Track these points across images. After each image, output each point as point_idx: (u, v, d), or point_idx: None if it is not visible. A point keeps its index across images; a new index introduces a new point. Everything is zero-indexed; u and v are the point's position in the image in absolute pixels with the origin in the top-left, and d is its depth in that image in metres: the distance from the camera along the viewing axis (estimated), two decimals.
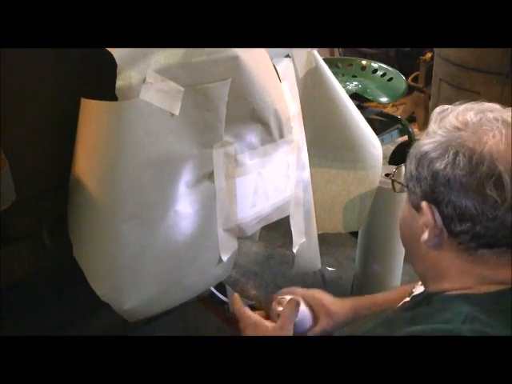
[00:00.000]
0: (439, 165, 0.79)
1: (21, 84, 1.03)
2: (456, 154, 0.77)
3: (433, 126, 0.84)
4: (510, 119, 0.79)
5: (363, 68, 2.80)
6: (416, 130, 3.68)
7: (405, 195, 0.91)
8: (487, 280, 0.82)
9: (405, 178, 0.89)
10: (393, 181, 1.00)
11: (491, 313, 0.77)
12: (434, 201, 0.81)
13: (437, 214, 0.81)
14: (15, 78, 1.02)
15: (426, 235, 0.83)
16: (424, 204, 0.82)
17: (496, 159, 0.75)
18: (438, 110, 0.87)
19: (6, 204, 1.03)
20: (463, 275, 0.83)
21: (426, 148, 0.82)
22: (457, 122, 0.81)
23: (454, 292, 0.84)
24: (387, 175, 1.85)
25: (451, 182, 0.78)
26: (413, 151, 0.86)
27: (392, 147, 2.93)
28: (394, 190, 1.00)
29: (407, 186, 0.87)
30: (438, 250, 0.84)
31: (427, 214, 0.81)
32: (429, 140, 0.82)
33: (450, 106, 0.86)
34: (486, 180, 0.75)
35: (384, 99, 2.69)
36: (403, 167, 0.94)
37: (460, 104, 0.85)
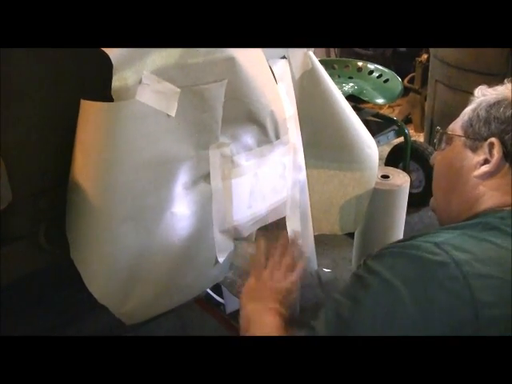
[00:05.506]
0: None
1: (19, 84, 1.03)
2: None
3: (488, 89, 1.04)
4: None
5: (359, 69, 2.81)
6: (412, 132, 3.68)
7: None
8: None
9: (462, 126, 1.06)
10: (442, 133, 1.12)
11: None
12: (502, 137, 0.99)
13: (503, 147, 0.98)
14: (14, 77, 1.02)
15: (486, 167, 0.99)
16: (494, 140, 0.99)
17: None
18: (482, 86, 1.07)
19: (2, 204, 1.03)
20: (506, 195, 0.98)
21: (498, 97, 1.01)
22: None
23: (487, 209, 0.99)
24: (383, 176, 1.85)
25: None
26: (480, 99, 1.04)
27: (388, 148, 2.93)
28: (435, 149, 1.16)
29: (464, 135, 1.04)
30: (491, 178, 1.00)
31: (497, 147, 0.98)
32: (496, 92, 1.02)
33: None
34: None
35: (380, 100, 2.69)
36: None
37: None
